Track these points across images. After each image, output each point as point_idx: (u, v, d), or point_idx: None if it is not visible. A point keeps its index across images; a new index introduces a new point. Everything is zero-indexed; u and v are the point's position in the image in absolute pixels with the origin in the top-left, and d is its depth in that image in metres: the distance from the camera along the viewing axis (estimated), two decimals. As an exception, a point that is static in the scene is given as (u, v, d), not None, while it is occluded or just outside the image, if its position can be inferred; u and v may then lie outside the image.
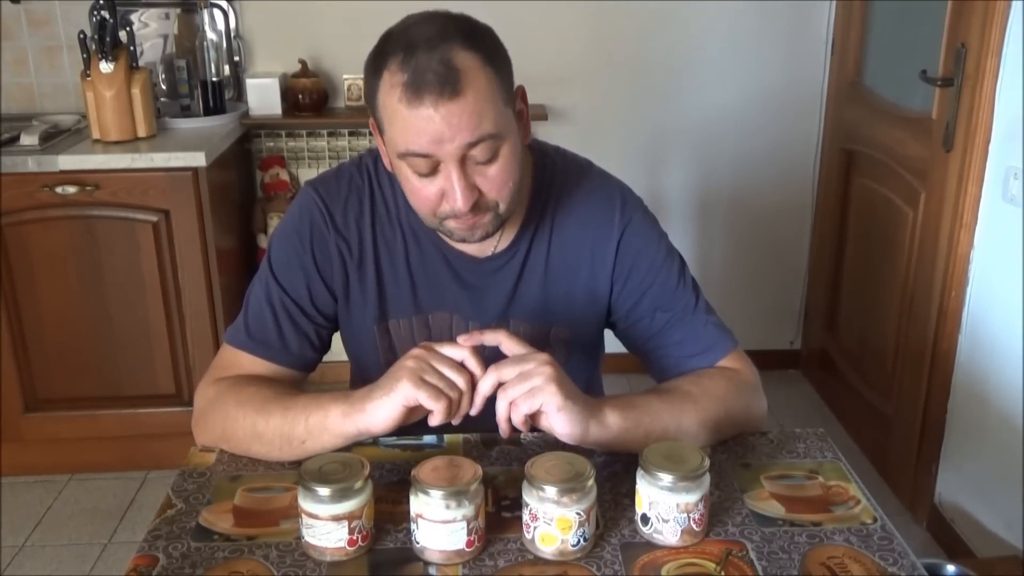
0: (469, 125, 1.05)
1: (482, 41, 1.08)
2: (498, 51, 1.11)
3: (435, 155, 1.07)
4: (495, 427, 1.05)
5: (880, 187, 2.64)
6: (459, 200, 1.08)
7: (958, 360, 2.23)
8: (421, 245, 1.26)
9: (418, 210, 1.16)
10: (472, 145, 1.06)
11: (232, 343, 1.25)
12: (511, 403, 1.02)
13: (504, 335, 1.08)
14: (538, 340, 1.27)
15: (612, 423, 1.07)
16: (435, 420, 1.03)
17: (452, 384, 1.04)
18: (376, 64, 1.08)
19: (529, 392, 1.02)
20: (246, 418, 1.13)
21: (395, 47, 1.06)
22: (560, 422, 1.03)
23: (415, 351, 1.06)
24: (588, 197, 1.27)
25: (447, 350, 1.06)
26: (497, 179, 1.10)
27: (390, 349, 1.29)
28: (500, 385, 1.04)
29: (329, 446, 1.09)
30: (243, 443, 1.14)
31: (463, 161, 1.07)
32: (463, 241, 1.18)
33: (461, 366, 1.05)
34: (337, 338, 1.33)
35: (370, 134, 2.90)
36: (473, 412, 1.05)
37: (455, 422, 1.06)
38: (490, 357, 1.06)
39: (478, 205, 1.11)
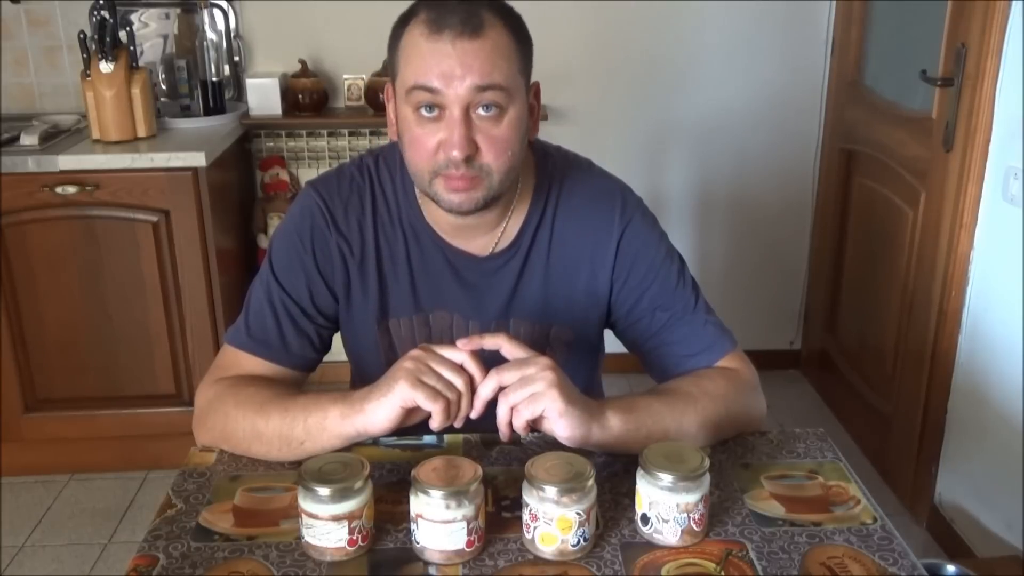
0: (482, 69, 1.06)
1: (511, 14, 1.13)
2: (524, 32, 1.14)
3: (442, 93, 1.07)
4: (496, 428, 1.05)
5: (880, 187, 2.64)
6: (456, 144, 1.08)
7: (958, 360, 2.23)
8: (422, 244, 1.26)
9: (414, 164, 1.15)
10: (480, 90, 1.07)
11: (233, 343, 1.24)
12: (512, 408, 1.02)
13: (504, 339, 1.08)
14: (538, 340, 1.27)
15: (614, 425, 1.07)
16: (435, 423, 1.03)
17: (450, 385, 1.03)
18: (405, 17, 1.11)
19: (531, 398, 1.02)
20: (245, 418, 1.13)
21: (428, 2, 1.10)
22: (562, 427, 1.03)
23: (413, 352, 1.06)
24: (589, 197, 1.27)
25: (446, 352, 1.06)
26: (498, 141, 1.11)
27: (390, 349, 1.29)
28: (501, 389, 1.03)
29: (328, 447, 1.09)
30: (243, 443, 1.14)
31: (467, 111, 1.08)
32: (451, 210, 1.15)
33: (460, 368, 1.05)
34: (337, 338, 1.33)
35: (371, 133, 2.91)
36: (474, 415, 1.05)
37: (457, 425, 1.06)
38: (490, 361, 1.06)
39: (472, 163, 1.10)
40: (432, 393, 1.02)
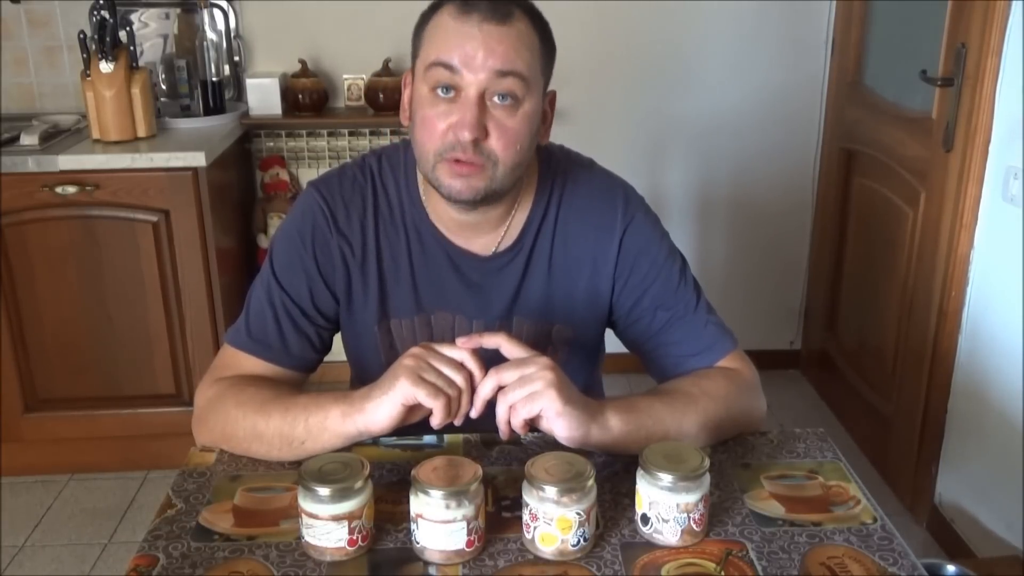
0: (505, 54, 1.07)
1: (540, 17, 1.14)
2: (550, 35, 1.16)
3: (461, 73, 1.08)
4: (496, 428, 1.05)
5: (880, 187, 2.64)
6: (467, 124, 1.08)
7: (958, 360, 2.23)
8: (424, 244, 1.26)
9: (420, 145, 1.15)
10: (500, 76, 1.08)
11: (233, 344, 1.24)
12: (511, 407, 1.03)
13: (504, 338, 1.08)
14: (540, 339, 1.27)
15: (614, 426, 1.07)
16: (436, 420, 1.03)
17: (451, 382, 1.04)
18: (434, 5, 1.13)
19: (529, 397, 1.02)
20: (246, 418, 1.13)
21: None
22: (560, 426, 1.03)
23: (414, 350, 1.06)
24: (591, 196, 1.27)
25: (446, 350, 1.06)
26: (508, 131, 1.11)
27: (391, 349, 1.28)
28: (500, 388, 1.04)
29: (329, 446, 1.09)
30: (243, 443, 1.14)
31: (483, 96, 1.09)
32: (450, 197, 1.14)
33: (460, 365, 1.05)
34: (337, 339, 1.33)
35: (371, 133, 2.90)
36: (474, 415, 1.05)
37: (457, 422, 1.06)
38: (490, 360, 1.06)
39: (480, 148, 1.10)
40: (433, 390, 1.02)
